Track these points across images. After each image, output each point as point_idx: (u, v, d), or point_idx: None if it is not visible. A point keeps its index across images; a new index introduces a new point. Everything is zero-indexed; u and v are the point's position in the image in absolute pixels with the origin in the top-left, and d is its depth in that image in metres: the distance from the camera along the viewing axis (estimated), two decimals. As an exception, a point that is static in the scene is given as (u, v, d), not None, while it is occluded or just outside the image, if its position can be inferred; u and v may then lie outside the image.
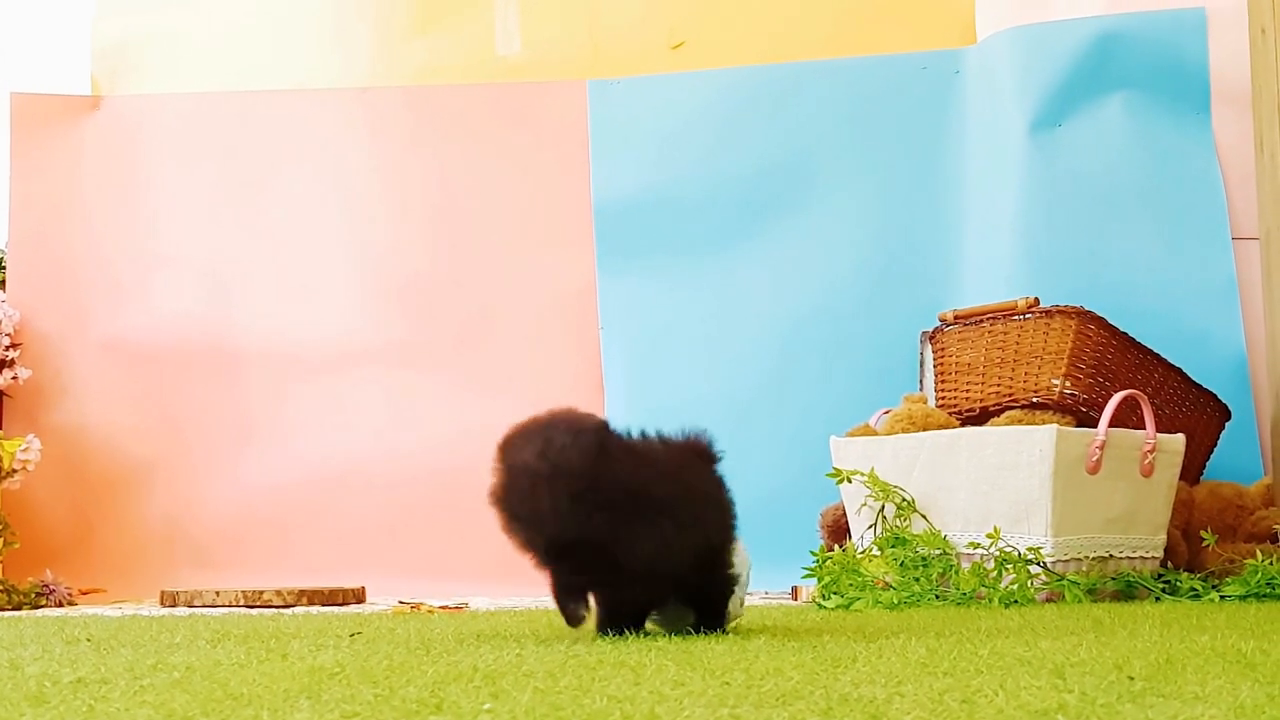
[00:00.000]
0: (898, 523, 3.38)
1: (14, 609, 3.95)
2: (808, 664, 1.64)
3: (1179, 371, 3.79)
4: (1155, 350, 3.73)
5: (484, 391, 4.73)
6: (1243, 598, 3.17)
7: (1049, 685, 1.37)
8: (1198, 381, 3.84)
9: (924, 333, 4.23)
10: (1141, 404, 3.45)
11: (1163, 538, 3.47)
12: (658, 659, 1.71)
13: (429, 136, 4.92)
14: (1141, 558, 3.41)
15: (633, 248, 4.73)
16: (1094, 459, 3.29)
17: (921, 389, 4.20)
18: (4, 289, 4.80)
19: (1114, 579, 3.29)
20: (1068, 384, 3.55)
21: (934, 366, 3.93)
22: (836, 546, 3.53)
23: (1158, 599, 3.22)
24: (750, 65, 4.78)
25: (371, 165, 4.93)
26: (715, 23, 4.86)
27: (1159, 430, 3.46)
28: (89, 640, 2.26)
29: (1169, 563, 3.48)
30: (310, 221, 4.91)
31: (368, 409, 4.76)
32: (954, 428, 3.55)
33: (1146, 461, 3.40)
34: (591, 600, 2.06)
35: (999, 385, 3.65)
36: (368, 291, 4.87)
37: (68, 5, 5.11)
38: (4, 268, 4.85)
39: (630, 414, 4.63)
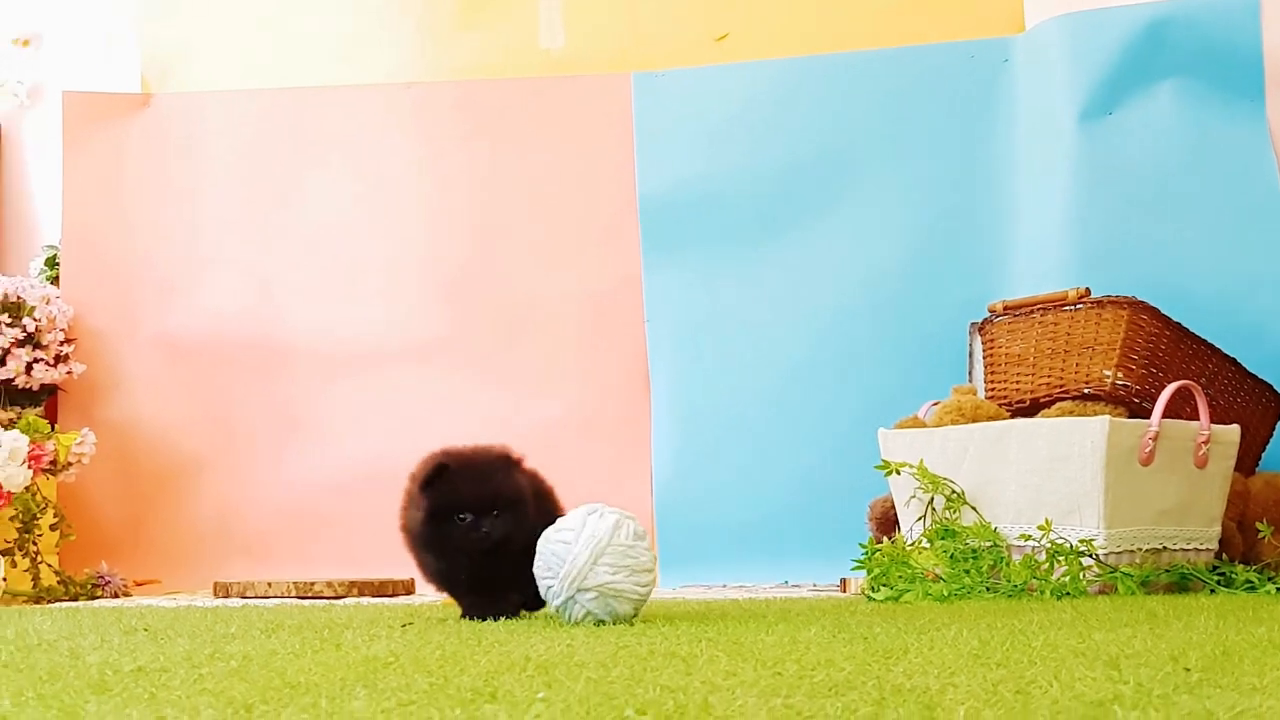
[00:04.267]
0: (947, 515, 3.36)
1: (71, 600, 3.99)
2: (859, 655, 1.64)
3: (1233, 361, 3.76)
4: (1209, 340, 3.70)
5: (529, 385, 4.75)
6: (1298, 590, 3.15)
7: (1104, 676, 1.37)
8: (1252, 372, 3.81)
9: (973, 324, 4.22)
10: (1195, 394, 3.42)
11: (1217, 529, 3.44)
12: (709, 650, 1.72)
13: (473, 131, 4.94)
14: (1196, 550, 3.38)
15: (678, 240, 4.73)
16: (1147, 450, 3.26)
17: (970, 380, 4.18)
18: (58, 285, 4.85)
19: (1168, 571, 3.26)
20: (1120, 375, 3.53)
21: (983, 358, 3.91)
22: (885, 539, 3.52)
23: (1212, 591, 3.20)
24: (796, 56, 4.77)
25: (416, 160, 4.95)
26: (760, 14, 4.85)
27: (1213, 421, 3.42)
28: (146, 630, 2.28)
29: (1224, 555, 3.45)
30: (356, 217, 4.94)
31: (413, 404, 4.78)
32: (1004, 419, 3.53)
33: (1200, 453, 3.37)
34: None
35: (1050, 376, 3.63)
36: (413, 287, 4.89)
37: (118, 4, 5.15)
38: (58, 264, 4.90)
39: (676, 407, 4.64)
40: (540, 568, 2.30)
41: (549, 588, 2.28)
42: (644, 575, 2.27)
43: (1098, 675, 1.38)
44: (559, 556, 2.26)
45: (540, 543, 2.31)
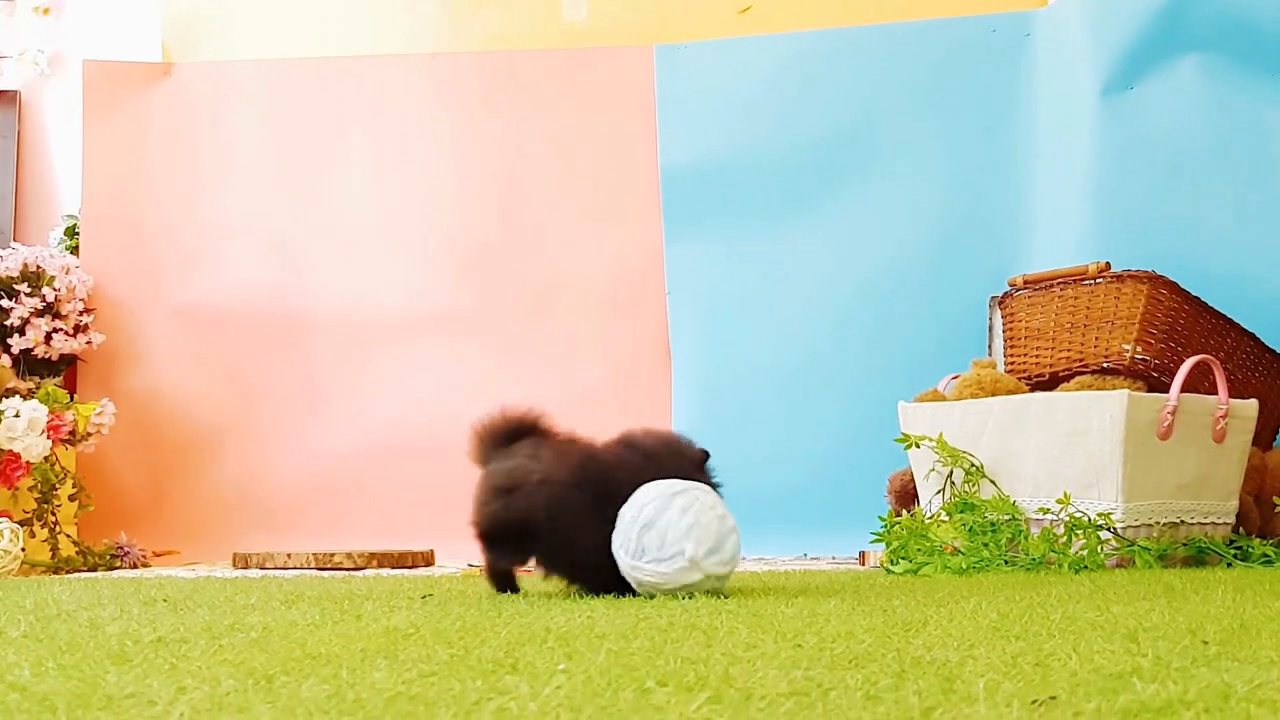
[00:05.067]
0: (966, 488, 3.36)
1: (90, 570, 4.01)
2: (879, 627, 1.64)
3: (1252, 336, 3.75)
4: (1228, 315, 3.69)
5: (550, 357, 4.75)
6: (1316, 565, 3.14)
7: (1122, 649, 1.37)
8: (1271, 346, 3.80)
9: (993, 298, 4.21)
10: (1214, 369, 3.42)
11: (1234, 504, 3.43)
12: (729, 622, 1.72)
13: (496, 103, 4.93)
14: (1213, 524, 3.38)
15: (700, 213, 4.72)
16: (1165, 424, 3.26)
17: (990, 354, 4.18)
18: (78, 255, 4.86)
19: (1185, 545, 3.26)
20: (1139, 349, 3.51)
21: (1003, 332, 3.90)
22: (904, 511, 3.52)
23: (1229, 565, 3.20)
24: (818, 29, 4.75)
25: (439, 132, 4.95)
26: (782, -14, 4.84)
27: (1231, 395, 3.42)
28: (165, 601, 2.29)
29: (1241, 529, 3.45)
30: (378, 188, 4.94)
31: (435, 375, 4.79)
32: (1023, 393, 3.53)
33: (1219, 427, 3.37)
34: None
35: (1069, 350, 3.62)
36: (435, 258, 4.89)
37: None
38: (78, 234, 4.91)
39: (696, 379, 4.64)
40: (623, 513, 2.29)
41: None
42: (666, 564, 2.25)
43: (1116, 648, 1.38)
44: (623, 517, 2.26)
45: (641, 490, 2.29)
